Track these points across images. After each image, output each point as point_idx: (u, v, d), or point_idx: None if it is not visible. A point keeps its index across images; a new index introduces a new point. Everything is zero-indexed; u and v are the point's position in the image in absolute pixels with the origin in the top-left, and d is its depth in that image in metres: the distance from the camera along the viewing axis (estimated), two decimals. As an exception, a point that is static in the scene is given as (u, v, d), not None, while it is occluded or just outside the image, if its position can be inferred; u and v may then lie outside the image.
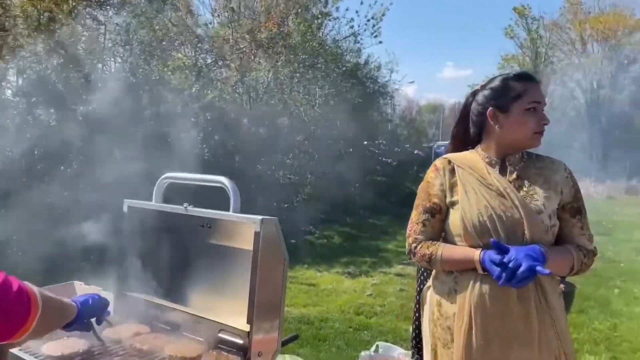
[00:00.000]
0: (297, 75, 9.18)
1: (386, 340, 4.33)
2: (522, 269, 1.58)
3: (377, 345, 4.22)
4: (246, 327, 1.28)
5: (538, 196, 1.74)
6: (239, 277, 1.40)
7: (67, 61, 5.88)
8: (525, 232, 1.70)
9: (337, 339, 4.53)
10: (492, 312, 1.71)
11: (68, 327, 1.31)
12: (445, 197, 1.83)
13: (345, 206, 9.52)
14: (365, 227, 9.18)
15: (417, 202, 1.90)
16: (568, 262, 1.74)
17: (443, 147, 2.01)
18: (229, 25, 9.29)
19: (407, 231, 1.91)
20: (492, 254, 1.65)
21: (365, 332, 4.76)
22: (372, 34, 11.19)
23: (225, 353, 1.35)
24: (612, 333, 4.71)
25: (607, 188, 13.19)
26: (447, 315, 1.81)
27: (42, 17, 6.31)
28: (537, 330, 1.70)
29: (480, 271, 1.71)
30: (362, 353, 4.09)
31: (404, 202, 9.33)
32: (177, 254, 1.56)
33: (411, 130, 18.85)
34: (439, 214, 1.84)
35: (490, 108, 1.80)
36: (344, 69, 10.79)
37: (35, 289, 1.10)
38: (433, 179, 1.87)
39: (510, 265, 1.60)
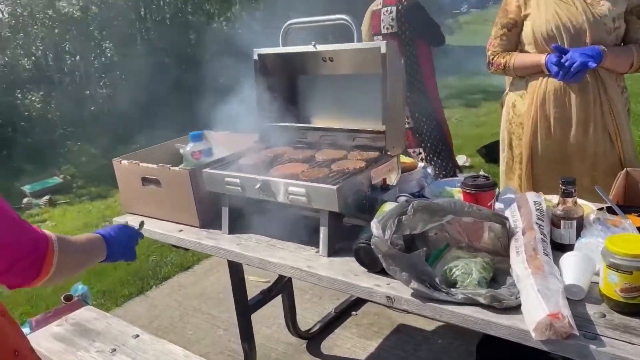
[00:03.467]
0: None
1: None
2: (575, 64, 1.89)
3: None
4: (382, 128, 1.67)
5: (604, 1, 1.98)
6: (366, 96, 1.77)
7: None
8: (587, 35, 1.99)
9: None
10: (554, 104, 2.07)
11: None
12: (521, 11, 2.11)
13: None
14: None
15: (496, 20, 2.20)
16: (627, 59, 1.99)
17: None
18: None
19: (487, 46, 2.23)
20: (553, 57, 1.97)
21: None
22: None
23: (365, 152, 1.76)
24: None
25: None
26: (519, 113, 2.19)
27: None
28: (592, 114, 2.03)
29: (546, 72, 2.05)
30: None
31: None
32: (307, 87, 1.93)
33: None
34: (514, 27, 2.14)
35: None
36: None
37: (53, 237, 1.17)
38: None
39: (567, 63, 1.92)
